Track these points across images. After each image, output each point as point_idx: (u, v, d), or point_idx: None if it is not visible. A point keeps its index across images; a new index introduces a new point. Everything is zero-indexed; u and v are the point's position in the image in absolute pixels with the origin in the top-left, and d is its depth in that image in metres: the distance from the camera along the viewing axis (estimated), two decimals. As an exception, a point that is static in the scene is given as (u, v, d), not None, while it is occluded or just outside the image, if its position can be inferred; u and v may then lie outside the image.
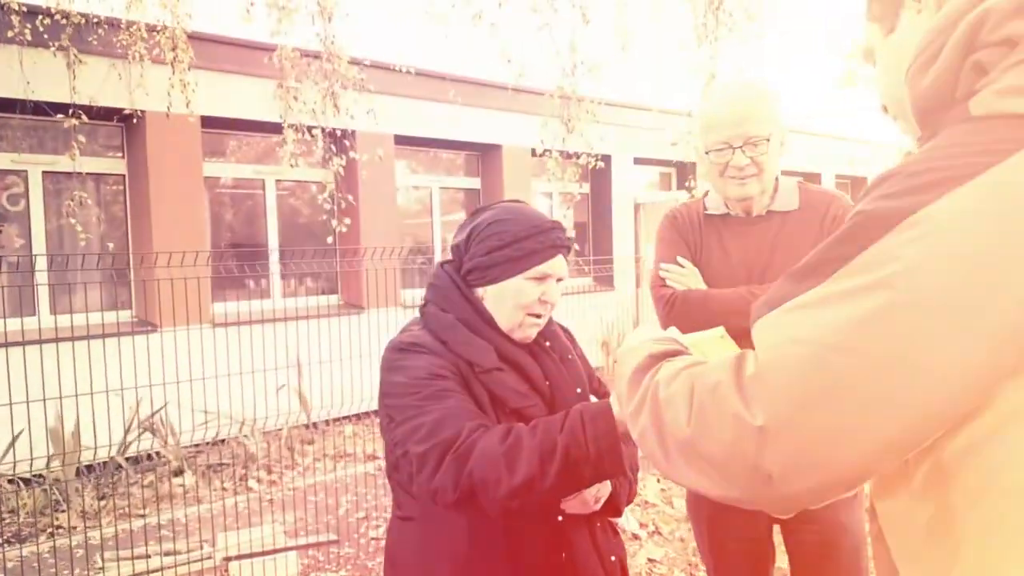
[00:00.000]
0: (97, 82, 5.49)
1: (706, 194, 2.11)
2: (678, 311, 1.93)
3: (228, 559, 3.60)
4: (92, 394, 3.54)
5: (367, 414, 6.15)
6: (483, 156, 8.70)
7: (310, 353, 5.18)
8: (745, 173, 1.89)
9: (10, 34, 4.96)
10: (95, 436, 3.59)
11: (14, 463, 3.55)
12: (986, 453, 0.64)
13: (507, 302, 1.42)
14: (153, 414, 5.04)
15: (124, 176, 6.23)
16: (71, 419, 4.36)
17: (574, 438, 1.20)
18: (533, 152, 7.72)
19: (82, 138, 5.35)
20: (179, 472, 5.19)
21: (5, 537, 4.21)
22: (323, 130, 6.02)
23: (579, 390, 1.46)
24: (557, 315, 1.57)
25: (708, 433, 0.71)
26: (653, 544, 3.92)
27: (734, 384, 0.70)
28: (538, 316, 1.44)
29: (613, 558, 1.45)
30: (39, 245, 5.71)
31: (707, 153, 1.94)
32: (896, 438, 0.64)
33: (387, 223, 7.40)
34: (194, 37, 5.65)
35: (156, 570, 3.56)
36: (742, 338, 1.66)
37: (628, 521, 4.05)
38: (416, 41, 8.95)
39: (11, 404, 3.48)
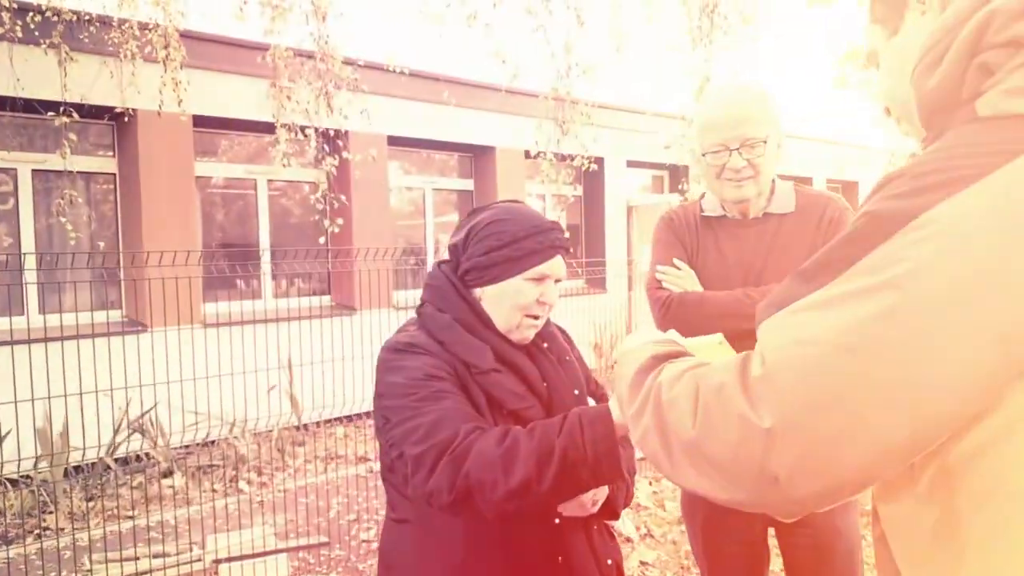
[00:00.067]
0: (88, 80, 5.46)
1: (702, 196, 2.11)
2: (674, 313, 1.92)
3: (218, 561, 3.57)
4: (81, 394, 3.51)
5: (358, 416, 6.13)
6: (476, 157, 8.69)
7: (301, 354, 5.16)
8: (742, 175, 1.89)
9: (0, 31, 4.91)
10: (84, 437, 3.55)
11: (1, 464, 3.51)
12: (993, 456, 0.64)
13: (505, 303, 1.41)
14: (143, 415, 5.00)
15: (115, 175, 6.18)
16: (59, 419, 4.32)
17: (572, 441, 1.18)
18: (527, 154, 7.72)
19: (73, 136, 5.31)
20: (169, 473, 5.15)
21: (-9, 539, 4.17)
22: (316, 130, 6.00)
23: (577, 392, 1.45)
24: (550, 317, 1.56)
25: (713, 435, 0.70)
26: (645, 547, 3.91)
27: (740, 385, 0.69)
28: (536, 317, 1.43)
29: (610, 561, 1.44)
30: (28, 244, 5.66)
31: (704, 155, 1.94)
32: (904, 440, 0.63)
33: (380, 224, 7.38)
34: (186, 36, 5.62)
35: (145, 572, 3.53)
36: (739, 341, 1.66)
37: (624, 524, 4.04)
38: (410, 42, 8.96)
39: (-1, 404, 3.44)
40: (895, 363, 0.62)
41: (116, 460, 4.96)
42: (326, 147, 6.26)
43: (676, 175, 10.23)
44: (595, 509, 1.39)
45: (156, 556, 3.67)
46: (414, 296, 7.09)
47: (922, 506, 0.70)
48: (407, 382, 1.32)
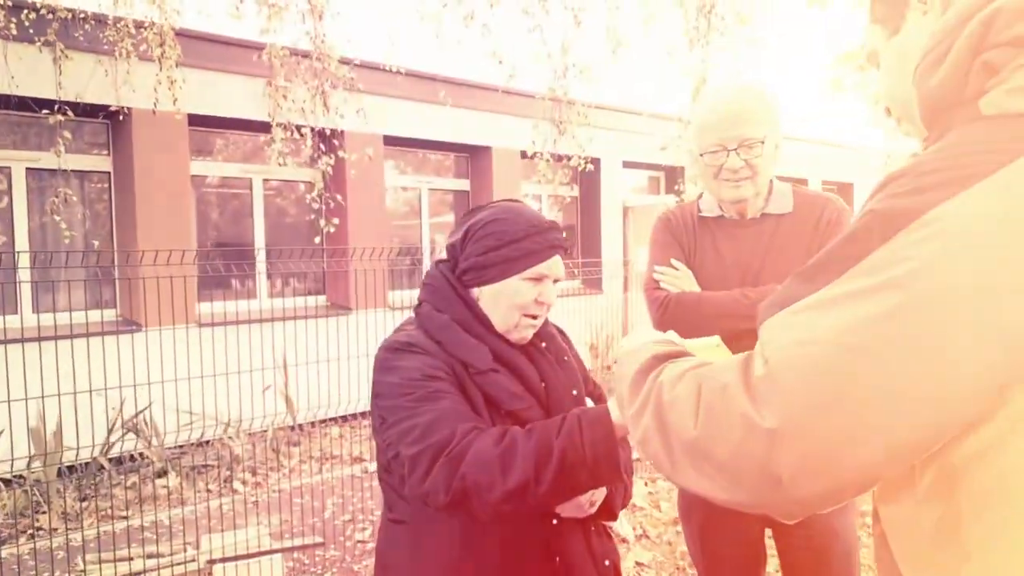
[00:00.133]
0: (83, 78, 5.43)
1: (700, 196, 2.10)
2: (672, 313, 1.92)
3: (212, 562, 3.56)
4: (75, 394, 3.49)
5: (353, 416, 6.12)
6: (472, 158, 8.68)
7: (296, 354, 5.14)
8: (739, 176, 1.89)
9: (-5, 28, 4.89)
10: (77, 436, 3.54)
11: (-6, 463, 3.49)
12: (996, 457, 0.64)
13: (503, 303, 1.40)
14: (137, 414, 4.98)
15: (109, 174, 6.16)
16: (53, 419, 4.30)
17: (571, 442, 1.18)
18: (523, 154, 7.71)
19: (67, 134, 5.29)
20: (163, 473, 5.13)
21: (-16, 539, 4.14)
22: (312, 129, 5.99)
23: (575, 392, 1.45)
24: (547, 317, 1.55)
25: (715, 435, 0.69)
26: (641, 548, 3.91)
27: (742, 385, 0.68)
28: (534, 317, 1.43)
29: (607, 562, 1.43)
30: (22, 242, 5.63)
31: (701, 155, 1.93)
32: (909, 441, 0.63)
33: (375, 224, 7.37)
34: (182, 34, 5.61)
35: (139, 573, 3.51)
36: (736, 342, 1.65)
37: (622, 525, 4.04)
38: (407, 41, 8.94)
39: (-8, 403, 3.42)
40: (899, 363, 0.61)
41: (110, 460, 4.94)
42: (322, 146, 6.24)
43: (672, 176, 10.23)
44: (593, 510, 1.39)
45: (150, 556, 3.65)
46: (410, 296, 7.08)
47: (923, 507, 0.70)
48: (404, 382, 1.31)
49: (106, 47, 5.37)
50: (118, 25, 5.32)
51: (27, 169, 5.69)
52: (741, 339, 1.75)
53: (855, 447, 0.62)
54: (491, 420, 1.34)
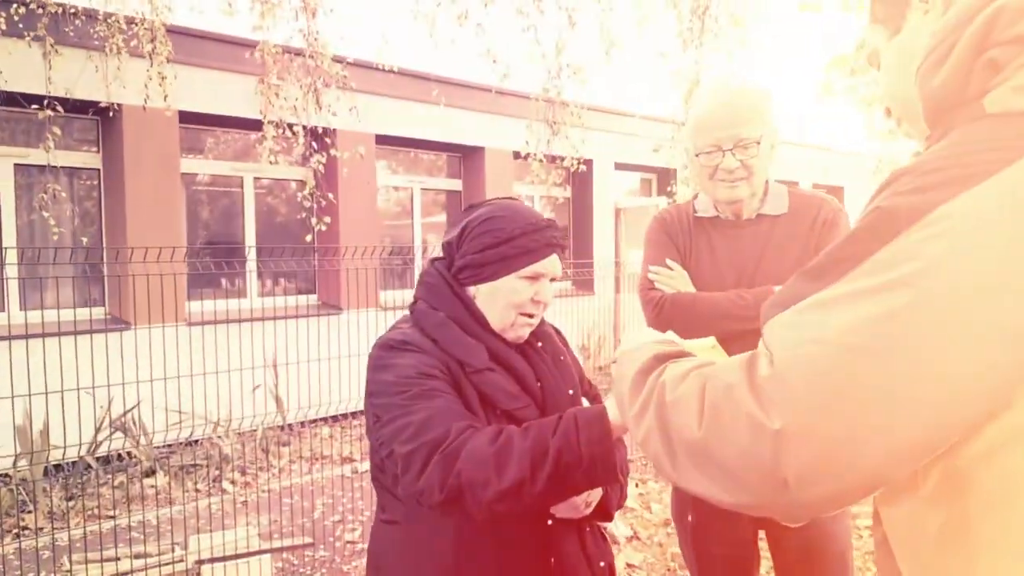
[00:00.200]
0: (73, 74, 5.38)
1: (695, 197, 2.10)
2: (667, 314, 1.91)
3: (200, 562, 3.53)
4: (62, 392, 3.46)
5: (344, 416, 6.09)
6: (465, 158, 8.67)
7: (287, 354, 5.11)
8: (735, 176, 1.88)
9: (-17, 22, 4.84)
10: (64, 435, 3.50)
11: (-20, 462, 3.45)
12: (1005, 458, 0.63)
13: (500, 301, 1.39)
14: (125, 413, 4.93)
15: (99, 171, 6.11)
16: (40, 417, 4.26)
17: (567, 442, 1.16)
18: (516, 155, 7.71)
19: (57, 130, 5.24)
20: (151, 473, 5.09)
21: (-32, 538, 4.10)
22: (304, 127, 5.96)
23: (571, 392, 1.43)
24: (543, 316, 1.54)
25: (721, 436, 0.68)
26: (632, 549, 3.90)
27: (748, 385, 0.67)
28: (531, 316, 1.42)
29: (602, 563, 1.42)
30: (10, 239, 5.58)
31: (697, 156, 1.93)
32: (917, 441, 0.62)
33: (367, 223, 7.34)
34: (174, 31, 5.57)
35: (126, 573, 3.48)
36: (731, 343, 1.65)
37: (617, 526, 4.03)
38: (400, 40, 8.91)
39: (-22, 401, 3.38)
40: (908, 363, 0.60)
41: (97, 459, 4.90)
42: (314, 145, 6.22)
43: (665, 178, 10.26)
44: (588, 511, 1.38)
45: (137, 556, 3.62)
46: (401, 296, 7.06)
47: (928, 509, 0.69)
48: (399, 380, 1.30)
49: (96, 42, 5.33)
50: (109, 20, 5.27)
51: (15, 165, 5.64)
52: (736, 340, 1.75)
53: (864, 449, 0.62)
54: (487, 419, 1.32)
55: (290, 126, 5.90)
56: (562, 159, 7.14)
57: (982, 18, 0.71)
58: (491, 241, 1.38)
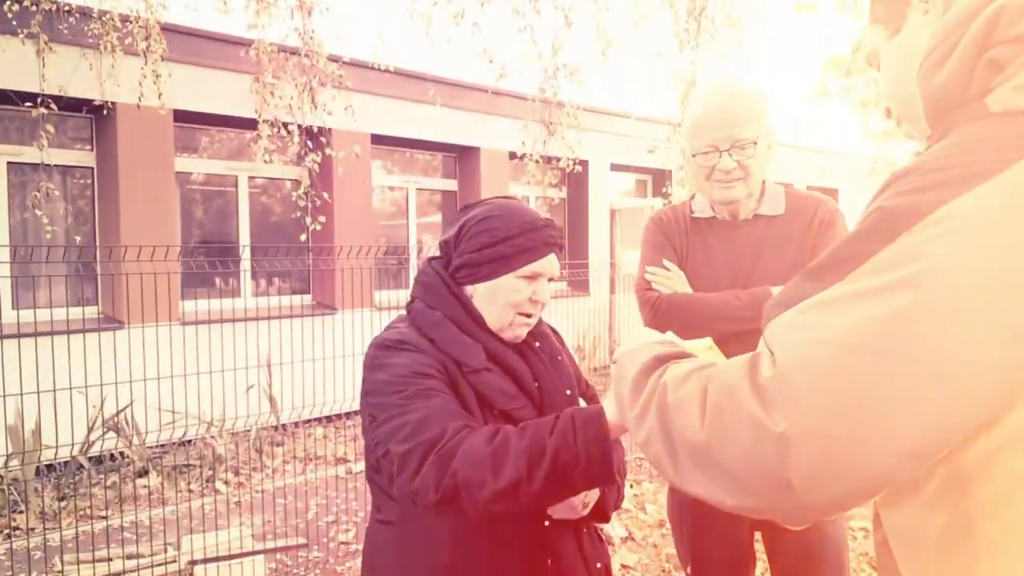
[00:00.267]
0: (67, 71, 5.35)
1: (692, 197, 2.10)
2: (663, 314, 1.91)
3: (193, 563, 3.51)
4: (54, 391, 3.44)
5: (338, 416, 6.07)
6: (460, 158, 8.66)
7: (281, 354, 5.09)
8: (731, 177, 1.88)
9: (-23, 19, 4.82)
10: (57, 435, 3.48)
11: (-29, 462, 3.43)
12: (1008, 460, 0.62)
13: (497, 301, 1.38)
14: (118, 413, 4.91)
15: (93, 169, 6.08)
16: (32, 417, 4.23)
17: (564, 442, 1.15)
18: (511, 155, 7.70)
19: (50, 128, 5.21)
20: (143, 473, 5.06)
21: (-41, 538, 4.07)
22: (299, 126, 5.94)
23: (568, 392, 1.43)
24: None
25: (724, 438, 0.67)
26: (627, 550, 3.90)
27: (750, 386, 0.66)
28: (529, 315, 1.41)
29: (599, 565, 1.41)
30: (2, 237, 5.54)
31: (694, 156, 1.92)
32: (922, 442, 0.61)
33: (362, 223, 7.32)
34: (169, 29, 5.54)
35: (118, 574, 3.45)
36: (728, 344, 1.64)
37: (612, 527, 4.02)
38: (396, 39, 8.89)
39: (-31, 400, 3.36)
40: (911, 363, 0.60)
41: (90, 459, 4.87)
42: (309, 144, 6.20)
43: (660, 179, 10.26)
44: (586, 512, 1.37)
45: (130, 557, 3.59)
46: (396, 296, 7.04)
47: (929, 511, 0.68)
48: (395, 379, 1.29)
49: (91, 40, 5.30)
50: (103, 18, 5.25)
51: (8, 163, 5.61)
52: (733, 341, 1.75)
53: (869, 451, 0.61)
54: (484, 420, 1.31)
55: (285, 125, 5.88)
56: (558, 160, 7.13)
57: (984, 17, 0.71)
58: (489, 240, 1.37)
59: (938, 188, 0.64)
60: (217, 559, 3.49)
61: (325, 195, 6.68)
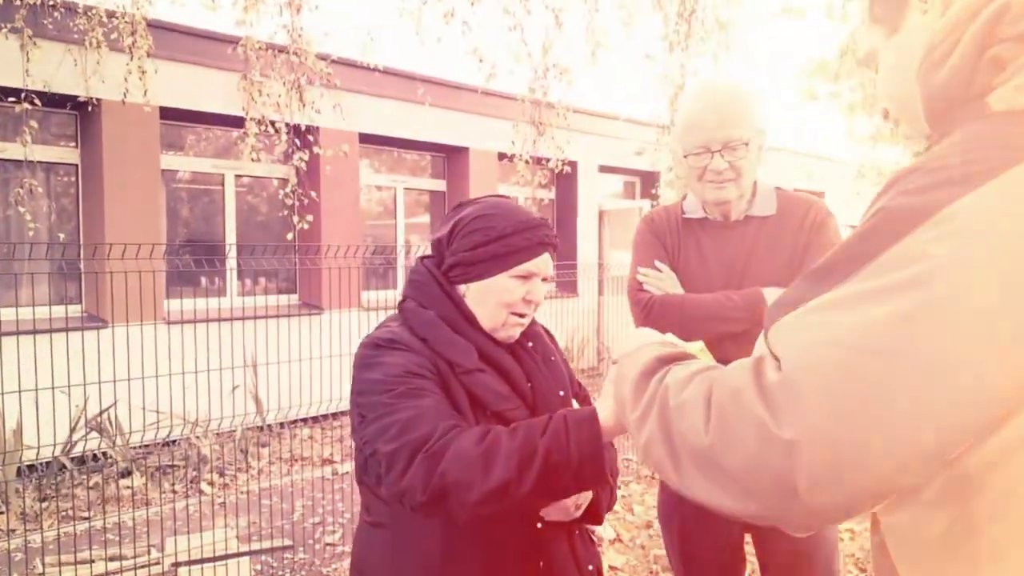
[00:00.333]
0: (51, 67, 5.28)
1: (684, 197, 2.09)
2: (655, 315, 1.90)
3: (177, 565, 3.47)
4: (36, 391, 3.39)
5: (324, 417, 6.03)
6: (449, 158, 8.64)
7: (267, 354, 5.05)
8: (723, 177, 1.88)
9: (-41, 13, 4.75)
10: (38, 435, 3.44)
11: (-50, 462, 3.37)
12: (1014, 463, 0.62)
13: (490, 300, 1.37)
14: (101, 413, 4.85)
15: (77, 166, 6.01)
16: (13, 416, 4.17)
17: (556, 443, 1.13)
18: (501, 156, 7.69)
19: (34, 124, 5.14)
20: (127, 473, 5.00)
21: (-63, 540, 4.00)
22: (287, 125, 5.90)
23: (562, 393, 1.41)
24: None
25: (728, 443, 0.66)
26: (614, 552, 3.89)
27: (756, 390, 0.65)
28: (522, 315, 1.39)
29: (591, 567, 1.40)
30: (-17, 234, 5.47)
31: (685, 157, 1.92)
32: (932, 448, 0.60)
33: (350, 222, 7.29)
34: (155, 25, 5.48)
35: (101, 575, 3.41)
36: (719, 345, 1.64)
37: (605, 529, 4.02)
38: (385, 38, 8.86)
39: (-51, 400, 3.30)
40: (920, 364, 0.59)
41: (72, 459, 4.81)
42: (296, 142, 6.16)
43: (648, 181, 10.28)
44: (578, 514, 1.36)
45: (112, 559, 3.55)
46: (383, 296, 7.01)
47: (930, 514, 0.67)
48: (385, 378, 1.27)
49: (76, 36, 5.24)
50: (89, 13, 5.19)
51: (-10, 159, 5.54)
52: (725, 342, 1.75)
53: (878, 455, 0.60)
54: (476, 421, 1.30)
55: (272, 123, 5.84)
56: (547, 160, 7.13)
57: (986, 14, 0.70)
58: (482, 239, 1.35)
59: (941, 188, 0.64)
60: (201, 561, 3.46)
61: (312, 194, 6.64)
